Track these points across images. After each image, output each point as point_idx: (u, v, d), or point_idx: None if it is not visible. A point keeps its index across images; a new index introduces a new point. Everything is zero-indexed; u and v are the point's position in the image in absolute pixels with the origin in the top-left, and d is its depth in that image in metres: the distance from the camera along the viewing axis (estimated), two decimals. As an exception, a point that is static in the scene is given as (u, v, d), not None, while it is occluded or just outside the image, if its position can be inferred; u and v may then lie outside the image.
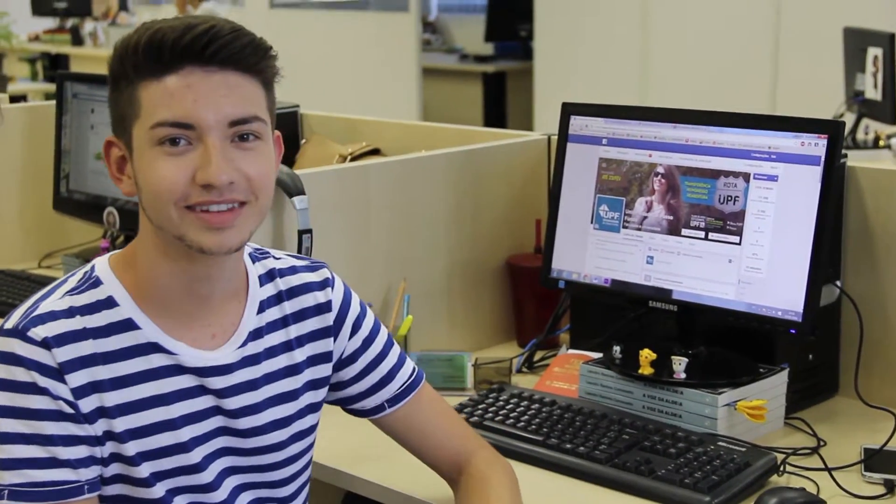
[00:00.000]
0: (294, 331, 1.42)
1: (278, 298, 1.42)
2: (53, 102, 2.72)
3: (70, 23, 8.85)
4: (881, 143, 4.20)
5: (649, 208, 1.84)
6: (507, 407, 1.80)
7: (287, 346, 1.41)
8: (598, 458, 1.63)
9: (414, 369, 1.53)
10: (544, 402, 1.81)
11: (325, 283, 1.45)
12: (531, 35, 7.33)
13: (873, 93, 4.29)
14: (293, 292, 1.43)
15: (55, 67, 8.23)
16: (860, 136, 4.32)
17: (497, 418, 1.77)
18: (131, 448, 1.30)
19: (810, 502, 1.51)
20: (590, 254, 1.90)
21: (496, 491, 1.45)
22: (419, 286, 2.07)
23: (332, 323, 1.45)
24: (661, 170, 1.83)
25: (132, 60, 1.25)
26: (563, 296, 2.12)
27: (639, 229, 1.85)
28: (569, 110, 1.96)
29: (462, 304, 2.17)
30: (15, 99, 3.96)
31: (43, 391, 1.25)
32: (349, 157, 2.44)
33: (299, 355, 1.42)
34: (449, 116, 7.18)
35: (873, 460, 1.64)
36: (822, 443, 1.73)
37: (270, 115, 1.31)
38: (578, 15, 6.79)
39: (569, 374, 1.95)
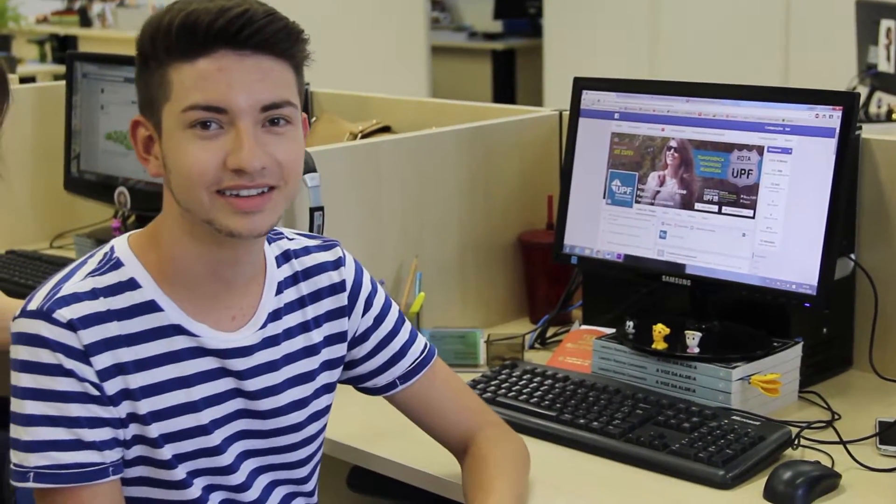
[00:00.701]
0: (311, 311, 1.42)
1: (294, 279, 1.41)
2: (63, 83, 2.72)
3: (78, 4, 8.84)
4: (894, 116, 4.17)
5: (662, 182, 1.83)
6: (520, 383, 1.80)
7: (304, 327, 1.41)
8: (612, 433, 1.63)
9: (426, 345, 1.52)
10: (557, 377, 1.81)
11: (338, 263, 1.45)
12: (540, 12, 7.30)
13: (886, 65, 4.26)
14: (308, 273, 1.43)
15: (64, 49, 8.22)
16: (873, 109, 4.29)
17: (510, 394, 1.77)
18: (154, 430, 1.30)
19: (825, 475, 1.50)
20: (602, 229, 1.90)
21: (492, 470, 1.43)
22: (431, 263, 2.07)
23: (346, 302, 1.45)
24: (673, 144, 1.82)
25: (164, 42, 1.24)
26: (576, 271, 2.11)
27: (651, 204, 1.84)
28: (580, 85, 1.95)
29: (474, 280, 2.17)
30: (24, 81, 3.95)
31: (69, 373, 1.25)
32: (360, 135, 2.43)
33: (317, 336, 1.42)
34: (458, 95, 7.13)
35: (888, 433, 1.64)
36: (836, 416, 1.73)
37: (300, 99, 1.30)
38: (587, -9, 6.75)
39: (582, 349, 1.95)
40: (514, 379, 1.82)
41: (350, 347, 1.47)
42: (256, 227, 1.27)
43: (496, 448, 1.48)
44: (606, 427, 1.64)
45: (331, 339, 1.44)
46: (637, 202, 1.86)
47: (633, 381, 1.81)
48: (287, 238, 1.44)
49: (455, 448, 1.52)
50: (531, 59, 7.61)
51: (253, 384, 1.36)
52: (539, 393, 1.76)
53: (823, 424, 1.69)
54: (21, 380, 1.25)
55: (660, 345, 1.78)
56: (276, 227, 1.43)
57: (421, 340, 1.52)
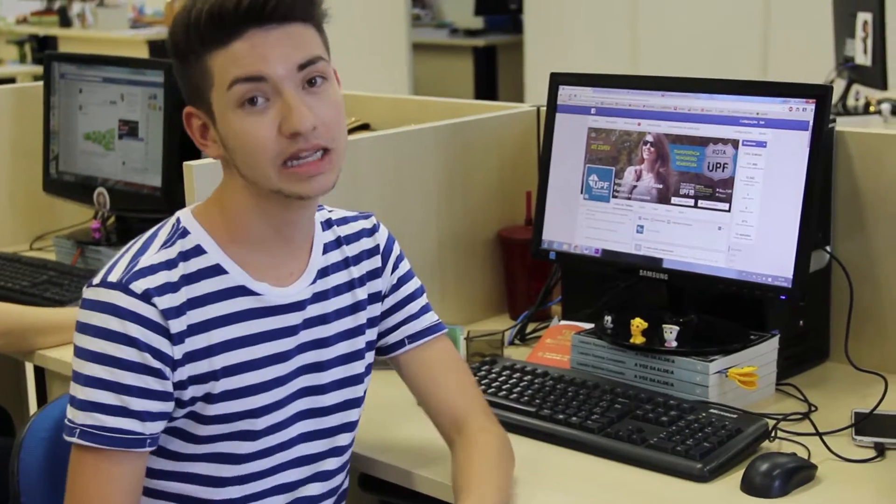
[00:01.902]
0: (356, 271, 1.53)
1: (337, 243, 1.52)
2: (41, 83, 2.71)
3: (58, 4, 8.80)
4: (872, 108, 4.18)
5: (639, 177, 1.84)
6: (500, 379, 1.81)
7: (350, 286, 1.52)
8: (590, 427, 1.64)
9: (438, 320, 1.61)
10: (536, 373, 1.82)
11: (373, 230, 1.57)
12: (521, 8, 7.30)
13: (863, 58, 4.28)
14: (350, 238, 1.54)
15: (43, 49, 8.19)
16: (851, 101, 4.31)
17: (490, 390, 1.77)
18: (219, 387, 1.38)
19: (801, 467, 1.52)
20: (580, 224, 1.91)
21: (480, 456, 1.48)
22: (410, 260, 2.04)
23: (380, 263, 1.56)
24: (650, 138, 1.83)
25: (196, 34, 1.33)
26: (554, 267, 2.12)
27: (628, 198, 1.85)
28: (557, 80, 1.95)
29: (453, 277, 2.17)
30: (3, 81, 3.94)
31: (132, 342, 1.33)
32: (338, 133, 2.43)
33: (361, 293, 1.53)
34: (440, 91, 7.16)
35: (864, 424, 1.65)
36: (813, 408, 1.74)
37: (327, 52, 1.39)
38: (568, -13, 6.76)
39: (561, 345, 1.95)
40: (494, 375, 1.83)
41: (381, 307, 1.57)
42: (322, 187, 1.38)
43: (485, 436, 1.52)
44: (585, 422, 1.65)
45: (372, 298, 1.55)
46: (614, 197, 1.87)
47: (612, 376, 1.82)
48: (327, 210, 1.56)
49: (445, 429, 1.56)
50: (512, 55, 7.61)
51: (305, 335, 1.46)
52: (519, 389, 1.77)
53: (800, 416, 1.71)
54: (87, 343, 1.34)
55: (638, 339, 1.79)
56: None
57: (434, 314, 1.61)
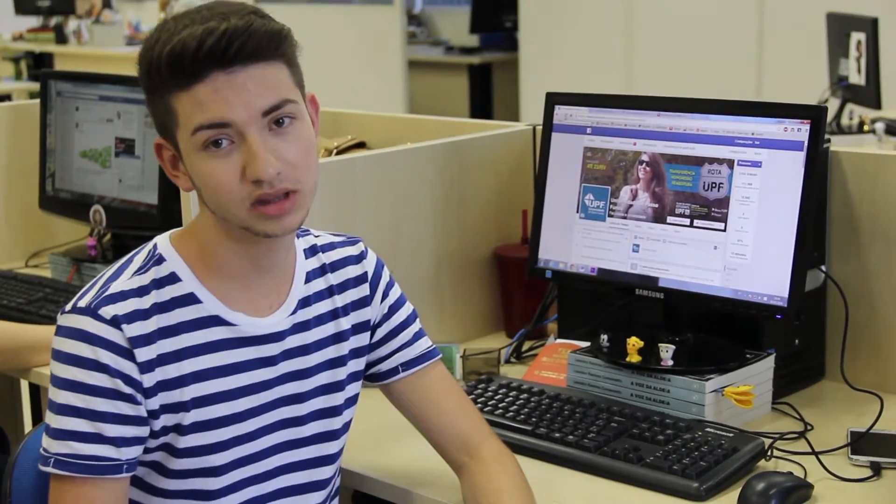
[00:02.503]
0: (339, 300, 1.50)
1: (322, 270, 1.50)
2: (38, 101, 2.72)
3: (54, 21, 8.81)
4: (866, 127, 4.21)
5: (634, 196, 1.85)
6: (496, 397, 1.81)
7: (334, 315, 1.49)
8: (586, 446, 1.64)
9: (432, 345, 1.59)
10: (533, 391, 1.82)
11: (360, 256, 1.54)
12: (516, 26, 7.33)
13: (857, 77, 4.30)
14: (335, 265, 1.51)
15: (39, 66, 8.20)
16: (845, 121, 4.33)
17: (486, 409, 1.77)
18: (189, 418, 1.36)
19: (798, 486, 1.52)
20: (576, 243, 1.91)
21: (509, 483, 1.47)
22: (407, 278, 2.07)
23: (368, 292, 1.53)
24: (645, 158, 1.84)
25: (158, 76, 1.30)
26: (551, 285, 2.12)
27: (624, 217, 1.85)
28: (553, 100, 1.96)
29: (450, 295, 2.17)
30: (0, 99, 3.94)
31: (103, 368, 1.32)
32: (335, 151, 2.44)
33: (345, 323, 1.50)
34: (435, 109, 7.19)
35: (860, 443, 1.65)
36: (808, 427, 1.74)
37: (300, 88, 1.36)
38: (563, 5, 6.79)
39: (557, 363, 1.96)
40: (490, 393, 1.83)
41: (371, 336, 1.54)
42: (288, 226, 1.35)
43: (507, 461, 1.51)
44: (581, 440, 1.65)
45: (357, 328, 1.52)
46: (610, 216, 1.87)
47: (608, 395, 1.82)
48: (313, 234, 1.54)
49: (452, 454, 1.54)
50: (508, 72, 7.64)
51: (284, 367, 1.43)
52: (515, 407, 1.77)
53: (796, 435, 1.71)
54: (60, 370, 1.33)
55: (634, 358, 1.80)
56: (303, 227, 1.49)
57: (428, 340, 1.59)
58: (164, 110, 1.32)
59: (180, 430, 1.37)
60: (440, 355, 1.59)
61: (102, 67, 6.35)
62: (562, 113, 1.94)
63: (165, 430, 1.36)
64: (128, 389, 1.32)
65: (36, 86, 6.97)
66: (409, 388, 1.55)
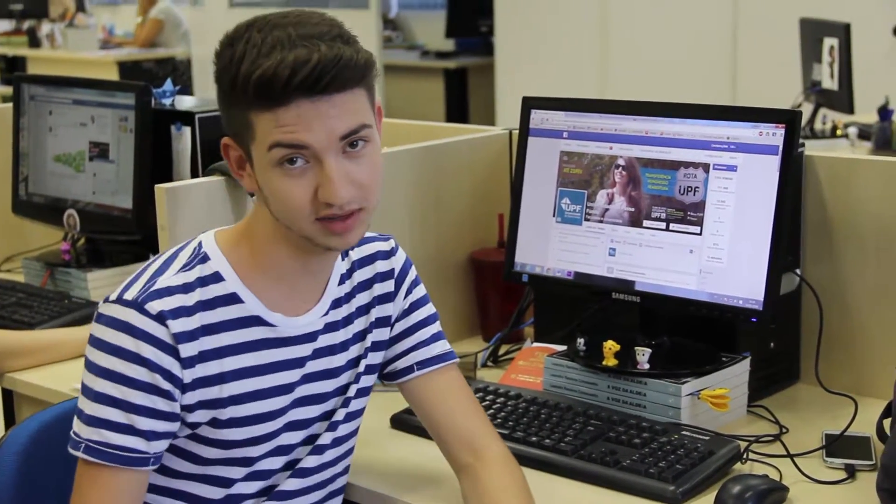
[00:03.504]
0: (366, 296, 1.54)
1: (351, 270, 1.53)
2: (10, 105, 2.70)
3: (27, 24, 8.76)
4: (839, 132, 4.24)
5: (611, 200, 1.85)
6: (473, 401, 1.81)
7: (360, 312, 1.53)
8: (563, 450, 1.64)
9: (451, 349, 1.60)
10: (510, 395, 1.82)
11: (391, 253, 1.58)
12: (492, 30, 7.35)
13: (830, 82, 4.34)
14: (364, 261, 1.55)
15: (12, 70, 8.14)
16: (818, 125, 4.36)
17: (463, 413, 1.77)
18: (225, 414, 1.40)
19: (773, 489, 1.52)
20: (552, 247, 1.91)
21: (517, 483, 1.50)
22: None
23: (392, 288, 1.56)
24: (621, 162, 1.84)
25: (242, 95, 1.32)
26: (527, 289, 2.12)
27: (601, 221, 1.86)
28: (529, 104, 1.96)
29: (426, 299, 2.17)
30: (-29, 102, 3.91)
31: (144, 362, 1.34)
32: (311, 155, 2.43)
33: (367, 320, 1.53)
34: (411, 113, 7.18)
35: (834, 446, 1.66)
36: (784, 430, 1.75)
37: (373, 109, 1.39)
38: (538, 9, 6.81)
39: (534, 367, 1.96)
40: (467, 397, 1.82)
41: (390, 331, 1.57)
42: (349, 242, 1.40)
43: (514, 469, 1.52)
44: (558, 444, 1.65)
45: (379, 322, 1.55)
46: (586, 220, 1.88)
47: (585, 398, 1.82)
48: None
49: (457, 455, 1.54)
50: (484, 76, 7.66)
51: (313, 366, 1.47)
52: (492, 411, 1.77)
53: (771, 438, 1.72)
54: (100, 359, 1.35)
55: (610, 361, 1.80)
56: None
57: (447, 343, 1.61)
58: (242, 122, 1.34)
59: (215, 423, 1.41)
60: (457, 359, 1.60)
61: (76, 71, 6.31)
62: (538, 117, 1.95)
63: (198, 424, 1.40)
64: (166, 385, 1.35)
65: (8, 89, 6.92)
66: (422, 387, 1.57)
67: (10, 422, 2.64)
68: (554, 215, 1.91)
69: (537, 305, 2.13)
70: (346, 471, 1.58)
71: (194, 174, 2.26)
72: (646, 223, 1.81)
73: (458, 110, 7.99)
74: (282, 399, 1.44)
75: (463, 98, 8.10)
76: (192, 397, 1.38)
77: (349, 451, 1.57)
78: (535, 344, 2.06)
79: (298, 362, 1.45)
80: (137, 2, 8.63)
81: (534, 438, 1.68)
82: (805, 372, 1.93)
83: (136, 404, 1.34)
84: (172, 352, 1.35)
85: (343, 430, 1.53)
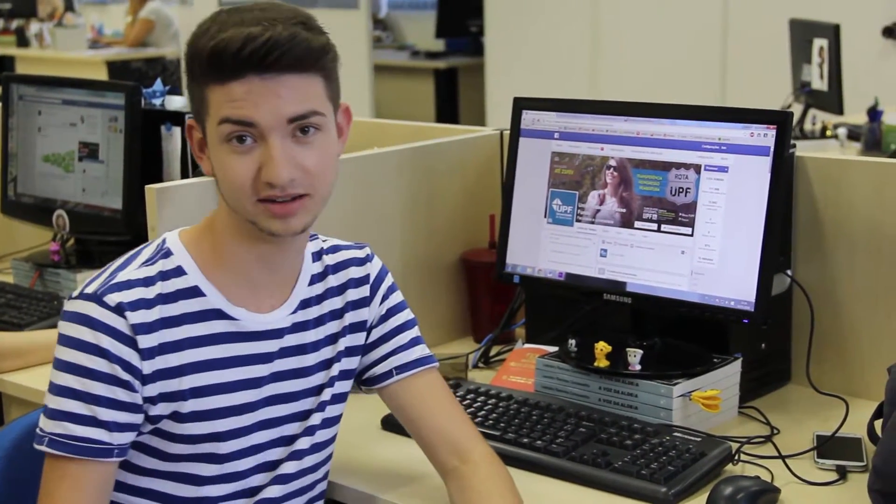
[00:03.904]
0: (339, 301, 1.54)
1: (324, 273, 1.53)
2: (-1, 105, 2.69)
3: (15, 24, 8.73)
4: (828, 132, 4.24)
5: (602, 201, 1.85)
6: (465, 402, 1.80)
7: (332, 315, 1.53)
8: (555, 451, 1.64)
9: (430, 353, 1.60)
10: (501, 396, 1.82)
11: (365, 259, 1.58)
12: (482, 31, 7.34)
13: (819, 83, 4.34)
14: (337, 267, 1.55)
15: (0, 69, 8.11)
16: (807, 126, 4.37)
17: (454, 414, 1.77)
18: (187, 406, 1.40)
19: (765, 490, 1.52)
20: (544, 248, 1.91)
21: (502, 483, 1.49)
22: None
23: (367, 293, 1.56)
24: (613, 163, 1.84)
25: (199, 67, 1.35)
26: (518, 290, 2.12)
27: (592, 222, 1.86)
28: (521, 105, 1.96)
29: (417, 300, 2.15)
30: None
31: (103, 353, 1.35)
32: (301, 156, 2.42)
33: (341, 324, 1.53)
34: (401, 113, 7.18)
35: (826, 447, 1.66)
36: (775, 431, 1.75)
37: (332, 101, 1.40)
38: (529, 10, 6.81)
39: (525, 368, 1.95)
40: (459, 399, 1.82)
41: (366, 336, 1.57)
42: (291, 228, 1.39)
43: (498, 468, 1.51)
44: (550, 445, 1.65)
45: (353, 328, 1.55)
46: (578, 221, 1.87)
47: (576, 399, 1.82)
48: (321, 239, 1.58)
49: (442, 458, 1.54)
50: (474, 77, 7.65)
51: (280, 364, 1.46)
52: (483, 412, 1.77)
53: (763, 439, 1.72)
54: (62, 353, 1.36)
55: (602, 362, 1.80)
56: (312, 232, 1.53)
57: (426, 347, 1.60)
58: (199, 98, 1.37)
59: (178, 417, 1.40)
60: (436, 363, 1.59)
61: (64, 71, 6.29)
62: (530, 118, 1.94)
63: (160, 418, 1.40)
64: (125, 376, 1.36)
65: (-3, 89, 6.89)
66: (402, 391, 1.57)
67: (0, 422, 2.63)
68: (545, 216, 1.91)
69: (528, 306, 2.13)
70: (325, 477, 1.57)
71: (184, 174, 2.26)
72: (637, 224, 1.81)
73: (447, 110, 7.99)
74: (250, 394, 1.44)
75: (453, 98, 8.09)
76: (152, 389, 1.38)
77: (328, 458, 1.56)
78: (527, 345, 2.05)
79: (264, 357, 1.45)
80: (128, 1, 8.61)
81: (525, 440, 1.67)
82: (796, 373, 1.93)
83: (97, 395, 1.35)
84: (131, 343, 1.36)
85: (321, 435, 1.52)
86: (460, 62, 8.07)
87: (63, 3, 9.20)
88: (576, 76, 6.59)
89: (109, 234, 2.45)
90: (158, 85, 2.44)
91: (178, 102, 2.44)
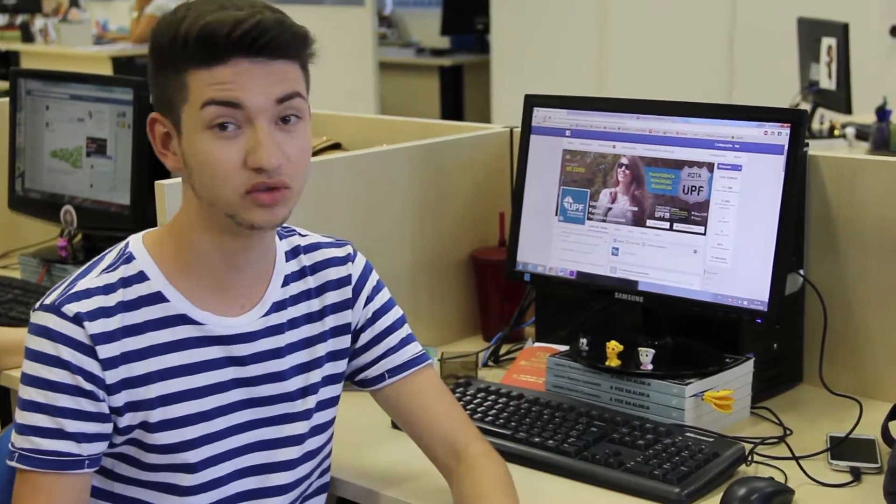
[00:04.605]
0: (317, 303, 1.49)
1: (301, 273, 1.49)
2: (6, 100, 2.68)
3: (20, 19, 8.72)
4: (836, 132, 4.23)
5: (614, 199, 1.84)
6: (475, 402, 1.79)
7: (309, 318, 1.48)
8: (566, 451, 1.63)
9: (421, 351, 1.57)
10: (511, 395, 1.80)
11: (346, 259, 1.53)
12: (487, 28, 7.33)
13: (828, 82, 4.33)
14: (316, 267, 1.50)
15: (5, 65, 8.12)
16: (815, 125, 4.35)
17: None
18: (155, 416, 1.37)
19: (779, 491, 1.51)
20: (555, 246, 1.90)
21: (490, 485, 1.45)
22: (383, 281, 2.05)
23: (350, 295, 1.52)
24: (625, 161, 1.83)
25: (181, 51, 1.31)
26: (528, 289, 2.11)
27: (603, 221, 1.84)
28: (532, 102, 1.95)
29: (426, 298, 2.16)
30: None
31: (64, 364, 1.32)
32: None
33: (321, 327, 1.49)
34: (406, 110, 7.17)
35: (839, 448, 1.65)
36: (788, 432, 1.74)
37: (306, 94, 1.38)
38: (534, 7, 6.80)
39: (535, 367, 1.94)
40: (469, 397, 1.81)
41: (353, 340, 1.53)
42: (274, 219, 1.35)
43: (491, 462, 1.49)
44: (561, 445, 1.64)
45: (336, 331, 1.51)
46: (589, 219, 1.86)
47: (587, 399, 1.81)
48: (299, 234, 1.53)
49: (441, 458, 1.52)
50: (479, 74, 7.64)
51: (255, 370, 1.43)
52: (493, 411, 1.76)
53: (776, 440, 1.70)
54: (27, 367, 1.35)
55: (613, 362, 1.78)
56: (289, 226, 1.51)
57: (418, 345, 1.57)
58: (175, 84, 1.32)
59: (148, 427, 1.37)
60: (429, 360, 1.57)
61: (69, 66, 6.29)
62: (541, 115, 1.93)
63: (131, 428, 1.37)
64: (88, 386, 1.33)
65: (2, 84, 6.88)
66: (396, 394, 1.54)
67: (6, 419, 2.63)
68: (556, 214, 1.90)
69: (539, 305, 2.11)
70: (323, 489, 1.55)
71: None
72: (649, 223, 1.79)
73: (453, 108, 7.98)
74: (219, 398, 1.40)
75: (458, 96, 8.08)
76: (118, 399, 1.35)
77: (322, 463, 1.52)
78: (537, 344, 2.04)
79: (235, 361, 1.41)
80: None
81: (536, 439, 1.66)
82: (809, 373, 1.92)
83: (62, 407, 1.32)
84: (91, 352, 1.33)
85: (312, 443, 1.49)
86: (466, 59, 8.06)
87: (68, -2, 9.19)
88: (582, 74, 6.58)
89: (117, 229, 2.43)
90: (167, 80, 2.43)
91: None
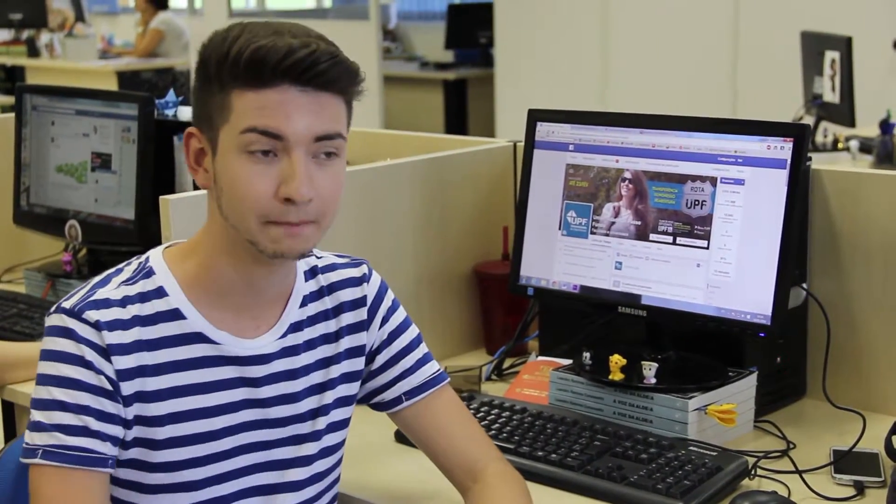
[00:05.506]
0: (333, 325, 1.49)
1: (319, 294, 1.48)
2: (12, 115, 2.69)
3: (26, 34, 8.75)
4: (840, 145, 4.24)
5: (617, 214, 1.84)
6: (478, 415, 1.79)
7: (325, 339, 1.48)
8: (570, 465, 1.63)
9: (438, 369, 1.56)
10: (515, 409, 1.81)
11: (362, 279, 1.52)
12: (491, 42, 7.35)
13: (831, 96, 4.34)
14: (333, 287, 1.50)
15: (11, 80, 8.14)
16: (819, 138, 4.36)
17: (468, 427, 1.76)
18: (162, 433, 1.36)
19: (783, 505, 1.51)
20: (558, 260, 1.90)
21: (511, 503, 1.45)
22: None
23: (365, 317, 1.51)
24: (628, 175, 1.83)
25: (230, 70, 1.30)
26: (532, 303, 2.11)
27: (607, 235, 1.85)
28: (535, 116, 1.96)
29: (430, 312, 2.16)
30: (-29, 111, 3.90)
31: (88, 364, 1.32)
32: (314, 167, 2.42)
33: (336, 348, 1.48)
34: (410, 124, 7.19)
35: (842, 462, 1.65)
36: (791, 445, 1.74)
37: (347, 131, 1.37)
38: (538, 21, 6.82)
39: (539, 381, 1.95)
40: (472, 411, 1.81)
41: (367, 361, 1.52)
42: (297, 249, 1.34)
43: (508, 484, 1.49)
44: (565, 459, 1.64)
45: (351, 353, 1.50)
46: (592, 233, 1.87)
47: (591, 413, 1.81)
48: (316, 255, 1.52)
49: (458, 477, 1.52)
50: (483, 88, 7.65)
51: (268, 391, 1.42)
52: (497, 425, 1.76)
53: (779, 454, 1.70)
54: (47, 368, 1.34)
55: (616, 375, 1.79)
56: None
57: (435, 364, 1.56)
58: (219, 103, 1.32)
59: (152, 444, 1.36)
60: (447, 380, 1.55)
61: (75, 81, 6.30)
62: (544, 129, 1.94)
63: (135, 443, 1.36)
64: (109, 386, 1.33)
65: (8, 99, 6.90)
66: (413, 416, 1.53)
67: (10, 434, 2.63)
68: (560, 228, 1.90)
69: (542, 319, 2.12)
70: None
71: (196, 186, 2.25)
72: (652, 237, 1.80)
73: (457, 122, 7.99)
74: (230, 417, 1.39)
75: (462, 109, 8.10)
76: (129, 412, 1.34)
77: (331, 487, 1.51)
78: (540, 357, 2.04)
79: (246, 382, 1.40)
80: (139, 12, 8.63)
81: (540, 453, 1.66)
82: (812, 387, 1.92)
83: (85, 405, 1.32)
84: (109, 359, 1.33)
85: (320, 465, 1.47)
86: (470, 73, 8.08)
87: (73, 13, 9.23)
88: (586, 88, 6.59)
89: (122, 244, 2.44)
90: (171, 96, 2.44)
91: (190, 113, 2.44)
